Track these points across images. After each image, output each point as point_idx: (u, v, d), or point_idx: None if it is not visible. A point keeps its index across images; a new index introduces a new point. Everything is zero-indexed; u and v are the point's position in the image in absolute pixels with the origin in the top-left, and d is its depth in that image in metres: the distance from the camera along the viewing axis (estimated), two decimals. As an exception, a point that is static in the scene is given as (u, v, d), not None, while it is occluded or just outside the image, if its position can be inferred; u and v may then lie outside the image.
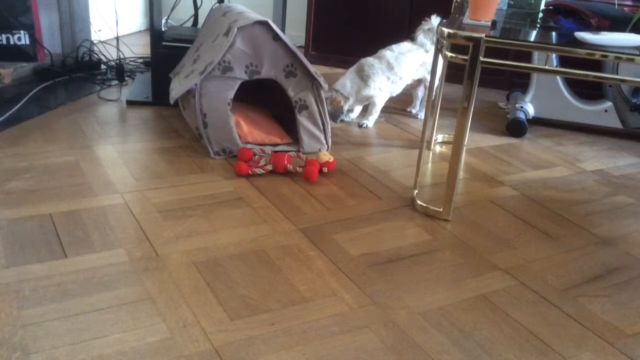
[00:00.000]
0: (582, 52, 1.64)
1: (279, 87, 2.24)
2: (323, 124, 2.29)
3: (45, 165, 2.00)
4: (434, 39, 2.61)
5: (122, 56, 3.21)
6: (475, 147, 2.52)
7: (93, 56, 3.08)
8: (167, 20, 3.50)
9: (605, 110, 2.72)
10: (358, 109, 2.72)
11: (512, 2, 2.25)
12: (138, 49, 3.57)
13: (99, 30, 3.44)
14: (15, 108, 2.45)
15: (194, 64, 2.23)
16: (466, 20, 1.84)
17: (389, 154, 2.37)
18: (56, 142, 2.20)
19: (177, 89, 2.22)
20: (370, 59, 2.61)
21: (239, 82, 2.15)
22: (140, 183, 1.94)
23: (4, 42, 2.69)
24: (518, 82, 3.20)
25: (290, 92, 2.22)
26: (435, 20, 2.64)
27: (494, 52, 1.72)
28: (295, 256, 1.61)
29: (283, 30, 2.64)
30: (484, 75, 2.14)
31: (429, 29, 2.65)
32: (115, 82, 2.94)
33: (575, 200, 2.10)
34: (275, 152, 2.15)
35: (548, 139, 2.68)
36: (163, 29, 3.10)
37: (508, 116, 2.76)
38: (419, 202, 1.92)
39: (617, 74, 2.56)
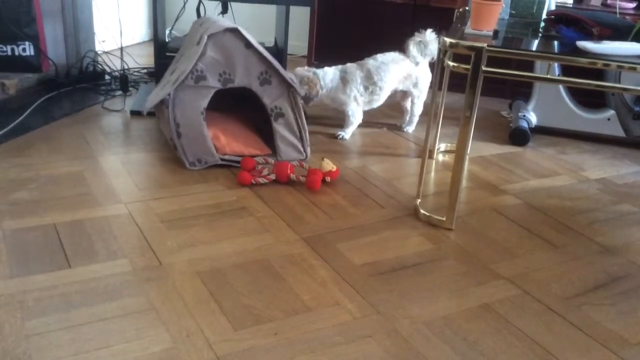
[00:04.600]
0: (584, 61, 1.65)
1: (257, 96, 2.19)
2: (300, 132, 2.24)
3: (49, 176, 2.01)
4: (426, 51, 2.57)
5: (126, 67, 3.23)
6: (478, 156, 2.52)
7: (97, 67, 3.10)
8: (170, 31, 3.53)
9: (608, 119, 2.72)
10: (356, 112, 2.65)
11: (513, 12, 2.26)
12: (142, 59, 3.59)
13: (103, 41, 3.47)
14: (20, 119, 2.46)
15: (171, 75, 2.22)
16: (468, 30, 1.85)
17: (392, 163, 2.38)
18: (60, 153, 2.21)
19: (150, 100, 2.21)
20: (354, 65, 2.58)
21: (212, 91, 2.12)
22: (144, 193, 1.95)
23: (9, 53, 2.71)
24: (520, 91, 3.20)
25: (266, 100, 2.18)
26: (429, 35, 2.57)
27: (496, 61, 1.72)
28: (299, 265, 1.61)
29: (286, 40, 2.65)
30: (486, 84, 2.14)
31: (420, 41, 2.57)
32: (119, 92, 2.95)
33: (578, 208, 2.10)
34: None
35: (551, 148, 2.68)
36: (167, 40, 3.12)
37: (511, 125, 2.76)
38: (422, 211, 1.92)
39: (619, 82, 2.56)
